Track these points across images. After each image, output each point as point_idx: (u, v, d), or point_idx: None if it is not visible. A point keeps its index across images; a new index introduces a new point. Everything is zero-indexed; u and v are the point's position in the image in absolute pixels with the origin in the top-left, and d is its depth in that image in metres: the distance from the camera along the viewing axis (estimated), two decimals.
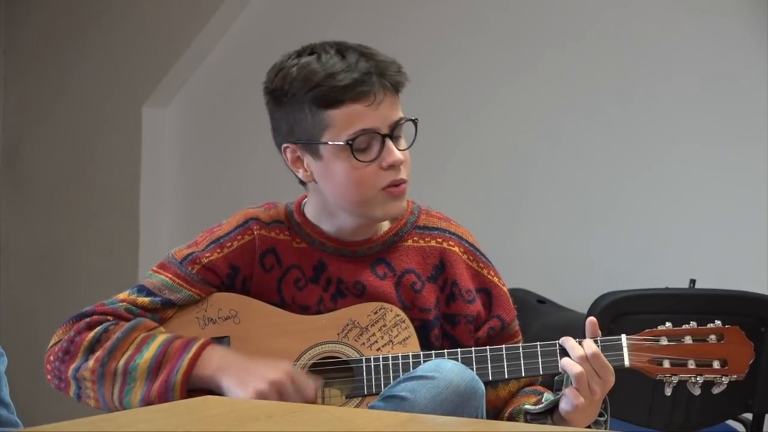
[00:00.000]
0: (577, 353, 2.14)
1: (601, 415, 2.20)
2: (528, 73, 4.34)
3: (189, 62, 4.87)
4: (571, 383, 2.14)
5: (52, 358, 2.24)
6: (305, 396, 2.15)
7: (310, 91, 2.18)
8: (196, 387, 2.17)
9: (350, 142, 2.18)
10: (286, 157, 2.27)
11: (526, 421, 2.21)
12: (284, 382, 2.14)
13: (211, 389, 2.17)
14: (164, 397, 2.15)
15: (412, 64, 2.29)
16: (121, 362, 2.18)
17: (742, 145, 4.03)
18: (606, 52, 4.22)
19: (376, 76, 2.19)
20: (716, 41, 4.06)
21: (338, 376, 2.22)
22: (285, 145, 2.25)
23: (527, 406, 2.22)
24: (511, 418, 2.27)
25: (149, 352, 2.18)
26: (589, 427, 2.19)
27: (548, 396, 2.19)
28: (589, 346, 2.15)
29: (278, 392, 2.13)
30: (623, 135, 4.20)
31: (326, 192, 2.25)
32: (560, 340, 2.18)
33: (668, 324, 2.19)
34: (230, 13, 4.78)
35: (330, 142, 2.19)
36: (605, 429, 2.21)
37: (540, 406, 2.19)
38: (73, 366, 2.21)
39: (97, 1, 5.05)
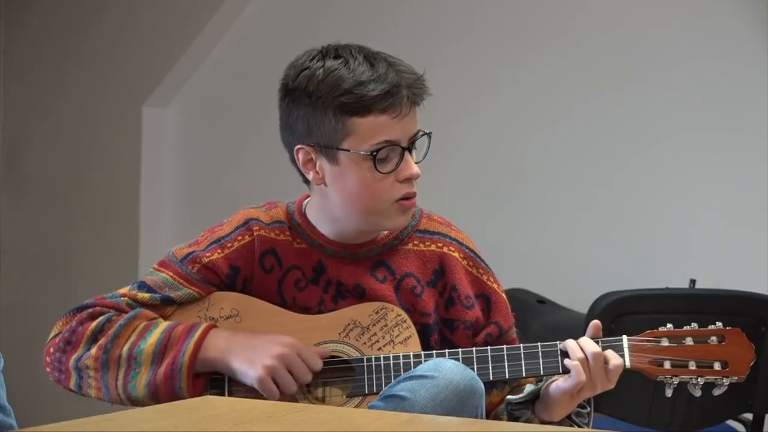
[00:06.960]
0: (577, 355, 2.15)
1: (583, 407, 2.22)
2: (527, 73, 4.34)
3: (189, 62, 4.86)
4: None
5: (52, 350, 2.24)
6: (312, 365, 2.18)
7: (338, 97, 2.17)
8: (202, 370, 2.19)
9: (374, 153, 2.18)
10: (297, 158, 2.25)
11: (507, 411, 2.23)
12: (290, 354, 2.17)
13: (218, 371, 2.20)
14: (170, 382, 2.16)
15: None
16: (125, 348, 2.19)
17: (742, 145, 4.03)
18: (604, 52, 4.22)
19: (405, 89, 2.19)
20: (716, 41, 4.06)
21: (339, 375, 2.22)
22: (299, 146, 2.23)
23: (509, 397, 2.23)
24: (496, 415, 2.28)
25: (153, 338, 2.19)
26: (570, 417, 2.20)
27: (530, 387, 2.21)
28: (591, 345, 2.15)
29: (285, 365, 2.16)
30: (623, 135, 4.20)
31: (334, 197, 2.24)
32: (562, 344, 2.18)
33: (669, 325, 2.19)
34: (230, 13, 4.78)
35: (351, 150, 2.18)
36: (588, 421, 2.22)
37: (520, 395, 2.20)
38: (74, 356, 2.22)
39: (97, 1, 5.05)
